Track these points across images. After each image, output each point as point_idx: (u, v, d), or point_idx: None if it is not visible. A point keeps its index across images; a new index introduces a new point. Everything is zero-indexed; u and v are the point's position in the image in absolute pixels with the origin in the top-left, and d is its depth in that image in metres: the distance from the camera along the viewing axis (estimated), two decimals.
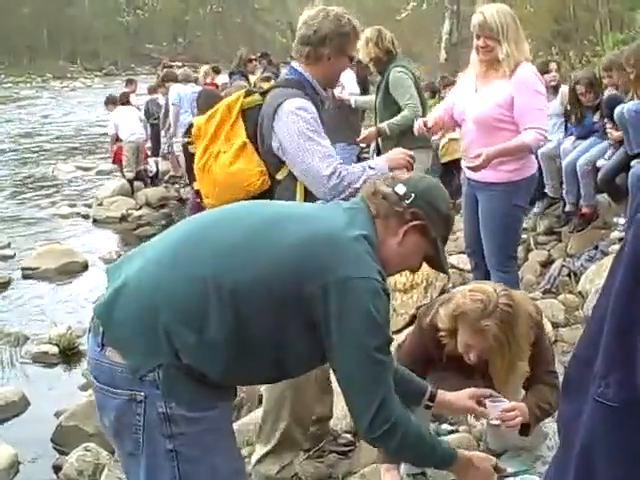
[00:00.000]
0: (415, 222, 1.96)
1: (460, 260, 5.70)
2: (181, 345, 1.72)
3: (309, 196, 2.90)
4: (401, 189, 1.97)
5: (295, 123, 2.81)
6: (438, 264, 2.10)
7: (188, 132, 3.06)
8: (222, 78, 11.33)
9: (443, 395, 2.31)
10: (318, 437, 3.33)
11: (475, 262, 4.33)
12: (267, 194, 2.85)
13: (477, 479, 2.07)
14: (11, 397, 4.71)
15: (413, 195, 1.96)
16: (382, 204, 1.95)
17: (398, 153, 3.07)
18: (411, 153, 3.08)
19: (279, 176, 2.89)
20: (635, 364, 0.81)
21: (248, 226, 1.88)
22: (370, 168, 2.92)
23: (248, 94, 2.99)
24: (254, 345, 1.80)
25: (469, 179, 4.14)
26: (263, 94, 2.97)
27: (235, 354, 1.78)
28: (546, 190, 6.78)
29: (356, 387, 1.84)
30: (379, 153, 6.29)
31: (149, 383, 1.72)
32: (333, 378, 3.72)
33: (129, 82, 13.79)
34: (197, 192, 6.97)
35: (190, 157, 3.06)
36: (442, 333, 2.48)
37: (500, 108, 3.79)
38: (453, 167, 9.03)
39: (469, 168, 3.86)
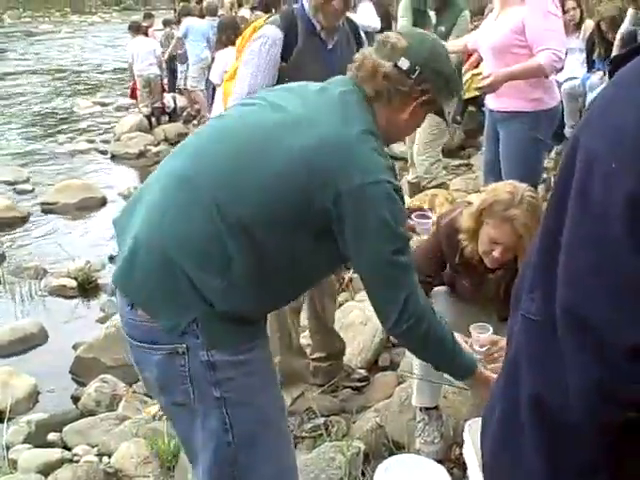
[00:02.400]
0: (423, 97, 1.85)
1: None
2: (209, 292, 1.69)
3: None
4: (404, 63, 1.81)
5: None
6: (442, 114, 1.97)
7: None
8: (244, 12, 11.15)
9: (482, 372, 2.11)
10: (332, 372, 3.36)
11: None
12: None
13: None
14: (30, 329, 4.77)
15: (418, 69, 1.81)
16: (383, 85, 1.82)
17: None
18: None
19: None
20: (555, 280, 0.83)
21: (243, 148, 1.77)
22: None
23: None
24: (275, 269, 1.76)
25: (490, 110, 4.08)
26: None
27: (260, 284, 1.75)
28: (565, 131, 6.65)
29: (379, 289, 1.83)
30: None
31: (189, 335, 1.69)
32: (343, 314, 3.77)
33: (147, 16, 13.62)
34: None
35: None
36: (462, 235, 2.45)
37: (514, 34, 3.69)
38: (475, 103, 8.89)
39: (478, 89, 3.79)
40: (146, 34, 11.46)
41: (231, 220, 1.69)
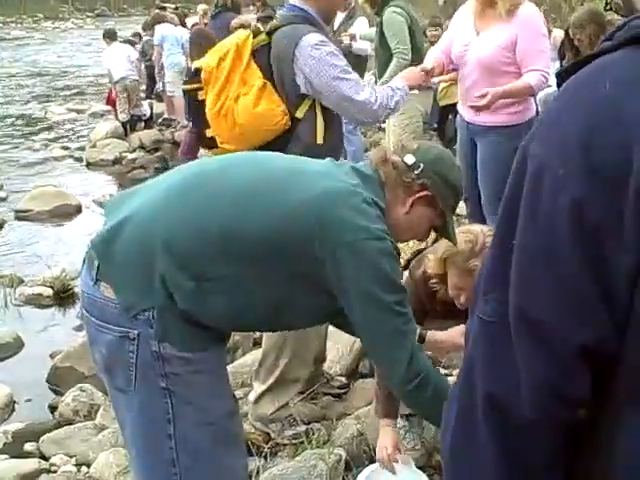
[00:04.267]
0: (423, 193, 1.95)
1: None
2: (177, 290, 1.70)
3: (329, 132, 2.94)
4: (410, 159, 1.95)
5: (321, 57, 2.82)
6: (446, 234, 2.10)
7: (193, 76, 2.91)
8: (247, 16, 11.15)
9: (433, 335, 2.28)
10: (312, 379, 3.35)
11: (471, 209, 4.29)
12: (288, 134, 2.86)
13: None
14: (5, 338, 4.72)
15: (422, 165, 1.94)
16: (391, 173, 1.94)
17: (413, 71, 3.24)
18: (427, 67, 3.31)
19: (299, 114, 2.88)
20: (508, 283, 0.86)
21: (258, 178, 1.84)
22: (397, 89, 3.01)
23: (255, 34, 2.93)
24: (255, 299, 1.79)
25: (468, 123, 4.08)
26: (269, 34, 2.92)
27: (234, 307, 1.77)
28: None
29: (384, 345, 1.85)
30: None
31: (142, 322, 1.70)
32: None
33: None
34: (194, 134, 6.94)
35: (195, 103, 2.93)
36: (433, 280, 2.46)
37: (503, 50, 3.73)
38: (452, 111, 8.96)
39: (472, 108, 3.81)
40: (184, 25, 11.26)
41: (230, 240, 1.73)
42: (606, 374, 0.83)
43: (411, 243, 3.71)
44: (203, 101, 2.89)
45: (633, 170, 0.76)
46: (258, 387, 3.06)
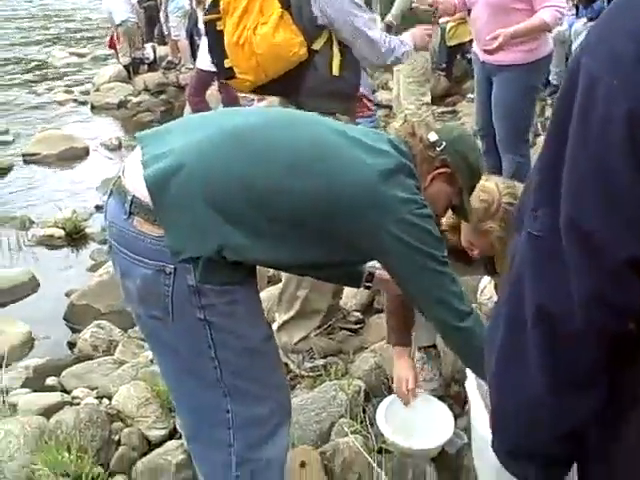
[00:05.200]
0: (443, 169, 2.02)
1: None
2: (228, 245, 1.70)
3: (346, 66, 2.93)
4: (433, 136, 2.03)
5: None
6: (462, 213, 2.17)
7: (212, 7, 2.91)
8: None
9: (380, 275, 2.34)
10: (328, 314, 3.39)
11: (486, 146, 4.28)
12: (305, 65, 2.86)
13: None
14: (21, 278, 4.76)
15: (444, 143, 2.02)
16: (418, 146, 2.00)
17: (420, 29, 3.23)
18: (430, 28, 3.14)
19: (316, 46, 2.88)
20: (559, 196, 0.88)
21: (310, 141, 1.85)
22: (405, 43, 3.06)
23: None
24: (302, 257, 1.85)
25: (483, 62, 4.05)
26: None
27: (280, 257, 1.82)
28: (550, 77, 6.65)
29: (437, 293, 1.92)
30: None
31: (182, 261, 1.70)
32: None
33: None
34: (200, 76, 6.87)
35: (214, 33, 2.93)
36: (445, 228, 2.46)
37: None
38: (459, 50, 8.86)
39: (486, 51, 3.77)
40: None
41: (284, 195, 1.74)
42: None
43: None
44: (222, 31, 2.87)
45: None
46: (280, 318, 3.11)
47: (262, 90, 3.06)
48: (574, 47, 6.21)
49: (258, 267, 1.94)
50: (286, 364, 3.07)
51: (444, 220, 2.44)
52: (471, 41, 4.82)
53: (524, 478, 1.10)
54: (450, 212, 2.33)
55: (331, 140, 1.86)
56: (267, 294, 3.64)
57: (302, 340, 3.09)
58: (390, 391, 2.78)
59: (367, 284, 2.38)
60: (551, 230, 0.89)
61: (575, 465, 1.09)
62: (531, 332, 0.93)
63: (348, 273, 2.33)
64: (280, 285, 3.26)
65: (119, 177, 1.81)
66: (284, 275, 3.16)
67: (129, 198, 1.74)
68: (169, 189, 1.70)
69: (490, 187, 2.35)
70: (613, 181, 0.82)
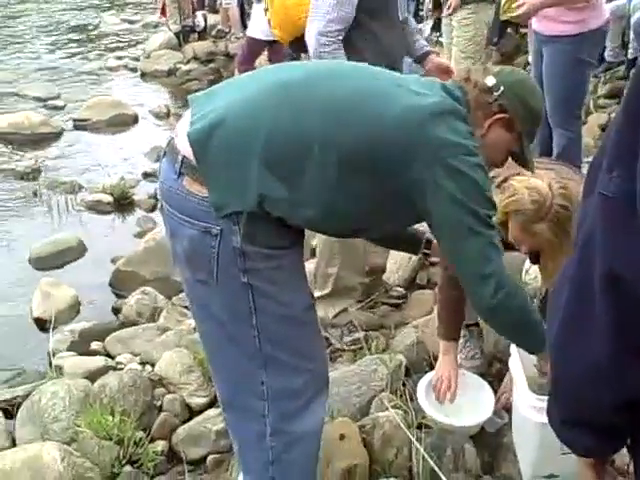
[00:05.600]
0: (501, 115, 1.94)
1: None
2: (270, 197, 1.70)
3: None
4: (491, 81, 1.94)
5: None
6: (522, 160, 2.06)
7: None
8: None
9: None
10: (370, 289, 3.38)
11: None
12: None
13: None
14: (68, 242, 4.83)
15: (502, 88, 1.93)
16: (473, 92, 1.92)
17: None
18: None
19: None
20: (637, 155, 0.85)
21: (358, 86, 1.83)
22: None
23: None
24: (347, 209, 1.80)
25: (536, 33, 4.01)
26: None
27: (324, 213, 1.78)
28: (605, 54, 6.47)
29: (474, 257, 1.83)
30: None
31: (227, 220, 1.70)
32: None
33: None
34: (250, 44, 6.85)
35: None
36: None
37: None
38: (511, 25, 8.65)
39: (513, 18, 3.78)
40: None
41: (331, 146, 1.72)
42: None
43: None
44: None
45: None
46: (316, 293, 3.11)
47: (297, 47, 3.13)
48: (632, 21, 6.00)
49: (305, 235, 1.93)
50: (327, 338, 3.07)
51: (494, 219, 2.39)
52: None
53: (577, 447, 1.09)
54: (500, 209, 2.27)
55: (378, 87, 1.84)
56: (310, 265, 3.64)
57: (340, 313, 3.09)
58: (431, 367, 2.77)
59: (425, 251, 2.35)
60: (626, 192, 0.86)
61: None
62: (600, 296, 0.91)
63: (404, 236, 2.28)
64: (314, 261, 3.28)
65: (172, 138, 1.83)
66: (317, 251, 3.17)
67: (179, 158, 1.75)
68: (211, 145, 1.71)
69: (542, 187, 2.23)
70: None
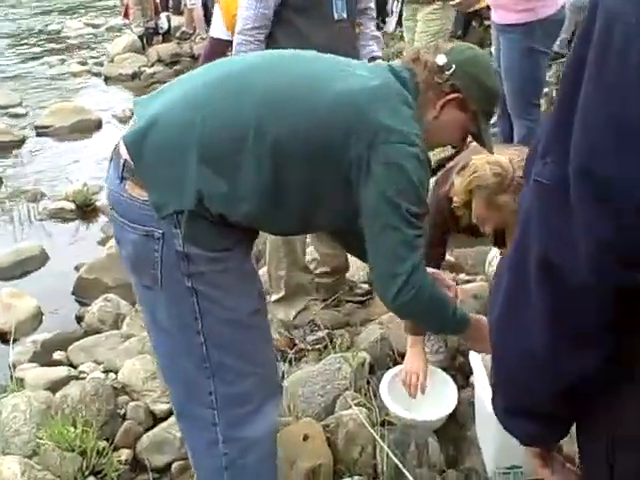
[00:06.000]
0: (453, 95, 1.85)
1: None
2: (208, 193, 1.66)
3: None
4: (442, 59, 1.85)
5: None
6: (480, 140, 1.99)
7: None
8: None
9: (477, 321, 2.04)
10: (335, 287, 3.37)
11: (500, 109, 4.23)
12: None
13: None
14: (30, 252, 4.76)
15: (454, 66, 1.84)
16: (422, 73, 1.85)
17: None
18: None
19: None
20: (570, 142, 0.83)
21: (295, 75, 1.78)
22: None
23: None
24: (286, 199, 1.75)
25: (493, 23, 4.07)
26: None
27: (265, 206, 1.73)
28: (554, 45, 6.48)
29: (389, 253, 1.76)
30: None
31: (168, 222, 1.67)
32: None
33: None
34: (213, 45, 6.80)
35: None
36: (456, 205, 2.38)
37: None
38: (475, 17, 8.68)
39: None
40: None
41: (264, 135, 1.67)
42: None
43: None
44: None
45: None
46: (273, 297, 3.13)
47: None
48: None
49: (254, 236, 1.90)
50: (291, 339, 3.05)
51: (455, 198, 2.37)
52: (489, 7, 4.73)
53: (521, 436, 1.07)
54: (463, 188, 2.26)
55: (318, 72, 1.79)
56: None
57: (299, 314, 3.07)
58: (395, 363, 2.75)
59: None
60: (560, 178, 0.84)
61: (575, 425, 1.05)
62: (535, 283, 0.89)
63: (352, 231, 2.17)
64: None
65: (118, 142, 1.79)
66: (266, 255, 3.17)
67: (121, 162, 1.73)
68: (146, 145, 1.69)
69: (503, 161, 2.24)
70: (629, 122, 0.77)
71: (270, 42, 2.78)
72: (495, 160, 2.23)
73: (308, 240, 3.46)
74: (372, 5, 3.17)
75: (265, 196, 1.71)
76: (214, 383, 1.79)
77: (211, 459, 1.86)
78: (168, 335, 1.79)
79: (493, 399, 1.07)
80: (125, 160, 1.72)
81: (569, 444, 1.12)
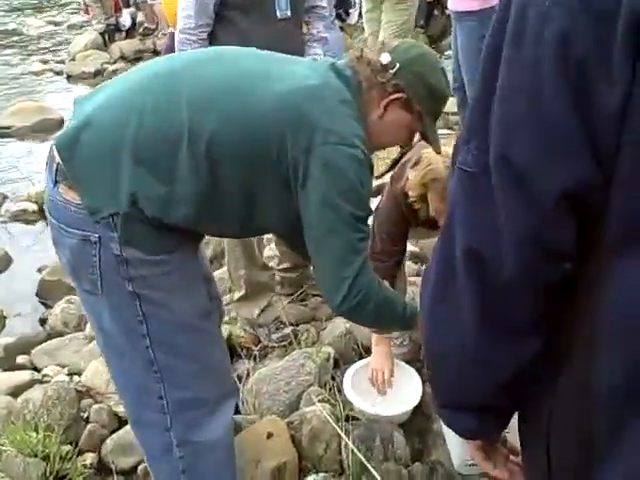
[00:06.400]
0: (397, 95, 1.81)
1: None
2: (143, 196, 1.62)
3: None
4: (385, 58, 1.80)
5: None
6: (427, 139, 1.95)
7: None
8: None
9: None
10: (299, 281, 3.35)
11: (461, 98, 4.25)
12: None
13: None
14: None
15: (397, 65, 1.79)
16: (366, 71, 1.80)
17: None
18: None
19: None
20: (489, 130, 0.82)
21: (231, 74, 1.73)
22: None
23: None
24: (224, 201, 1.71)
25: (450, 10, 4.12)
26: None
27: (203, 209, 1.69)
28: None
29: (332, 258, 1.73)
30: None
31: (104, 225, 1.63)
32: None
33: None
34: (173, 36, 6.72)
35: None
36: (413, 199, 2.38)
37: None
38: (437, 6, 8.70)
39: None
40: None
41: (199, 135, 1.63)
42: (591, 225, 0.78)
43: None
44: None
45: (623, 2, 0.70)
46: (236, 295, 3.11)
47: None
48: None
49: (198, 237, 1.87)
50: (256, 336, 3.03)
51: (411, 192, 2.36)
52: None
53: (460, 430, 1.06)
54: (417, 182, 2.25)
55: (256, 71, 1.74)
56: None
57: (263, 312, 3.05)
58: (360, 357, 2.75)
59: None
60: (482, 166, 0.82)
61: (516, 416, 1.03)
62: (461, 276, 0.87)
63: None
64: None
65: (51, 145, 1.75)
66: (225, 255, 3.14)
67: (54, 166, 1.69)
68: (79, 148, 1.65)
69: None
70: (545, 109, 0.76)
71: (212, 40, 2.74)
72: (447, 153, 2.22)
73: (269, 237, 3.44)
74: (323, 4, 3.07)
75: (203, 199, 1.67)
76: (164, 387, 1.77)
77: (168, 464, 1.84)
78: (112, 338, 1.76)
79: (432, 394, 1.06)
80: (58, 163, 1.68)
81: (512, 434, 1.11)
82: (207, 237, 2.50)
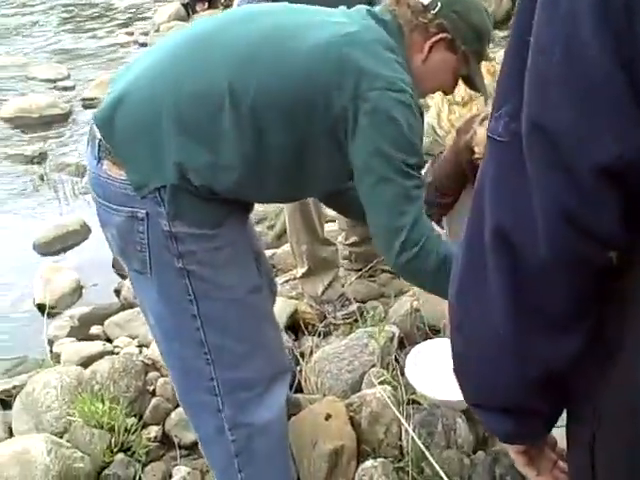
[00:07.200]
0: (440, 35, 1.74)
1: None
2: (189, 165, 1.59)
3: None
4: None
5: None
6: (472, 84, 1.87)
7: None
8: None
9: None
10: (368, 256, 3.28)
11: None
12: None
13: None
14: (73, 226, 4.79)
15: (439, 5, 1.72)
16: (406, 14, 1.73)
17: None
18: None
19: None
20: (522, 93, 0.72)
21: (266, 28, 1.67)
22: None
23: None
24: (271, 164, 1.66)
25: None
26: None
27: (249, 172, 1.65)
28: None
29: (386, 208, 1.65)
30: None
31: (150, 200, 1.61)
32: None
33: None
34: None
35: None
36: (477, 156, 2.26)
37: None
38: None
39: None
40: None
41: (242, 93, 1.58)
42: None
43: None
44: None
45: None
46: (299, 271, 3.06)
47: None
48: None
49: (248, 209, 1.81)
50: (322, 312, 2.99)
51: (477, 148, 2.26)
52: None
53: (497, 433, 0.97)
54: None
55: (291, 24, 1.69)
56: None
57: (327, 289, 2.99)
58: (426, 337, 2.66)
59: None
60: (514, 134, 0.73)
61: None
62: (491, 261, 0.78)
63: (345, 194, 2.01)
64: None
65: (91, 121, 1.73)
66: (287, 231, 3.08)
67: (97, 142, 1.66)
68: (117, 122, 1.62)
69: None
70: (581, 69, 0.66)
71: None
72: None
73: (332, 214, 3.36)
74: None
75: (249, 163, 1.62)
76: (215, 368, 1.74)
77: (221, 446, 1.82)
78: (164, 322, 1.74)
79: (463, 394, 0.95)
80: (100, 140, 1.65)
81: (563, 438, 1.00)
82: (271, 218, 2.45)
